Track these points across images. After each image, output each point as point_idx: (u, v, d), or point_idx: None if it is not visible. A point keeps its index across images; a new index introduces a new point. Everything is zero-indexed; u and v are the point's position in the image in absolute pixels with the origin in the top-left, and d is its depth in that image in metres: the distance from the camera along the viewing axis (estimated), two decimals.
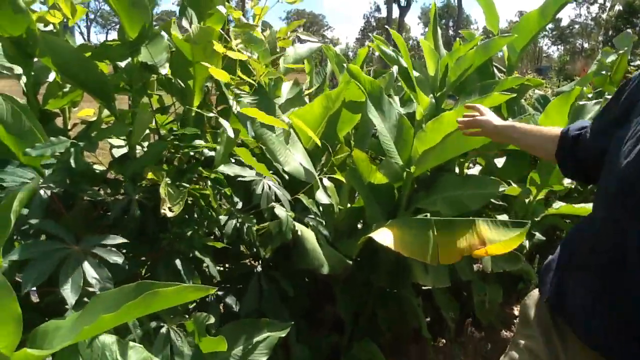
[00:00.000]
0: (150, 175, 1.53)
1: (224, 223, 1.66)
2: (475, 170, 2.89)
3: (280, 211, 1.71)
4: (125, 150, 1.85)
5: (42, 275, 1.14)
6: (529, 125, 1.53)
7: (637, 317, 1.00)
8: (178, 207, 1.45)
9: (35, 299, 1.55)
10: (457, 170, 2.68)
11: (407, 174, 2.14)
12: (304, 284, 2.11)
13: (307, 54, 2.46)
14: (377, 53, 2.68)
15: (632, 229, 0.97)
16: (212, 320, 1.37)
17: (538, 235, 2.73)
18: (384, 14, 46.00)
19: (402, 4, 41.68)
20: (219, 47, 1.59)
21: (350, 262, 1.91)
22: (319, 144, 1.90)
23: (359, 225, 2.29)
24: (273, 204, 1.72)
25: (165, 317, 1.35)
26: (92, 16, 46.74)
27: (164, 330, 1.32)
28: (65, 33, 1.82)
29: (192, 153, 1.73)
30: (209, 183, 1.67)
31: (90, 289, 1.21)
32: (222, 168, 1.68)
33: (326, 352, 2.13)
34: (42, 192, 1.32)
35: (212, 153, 1.74)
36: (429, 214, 2.15)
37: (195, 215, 1.64)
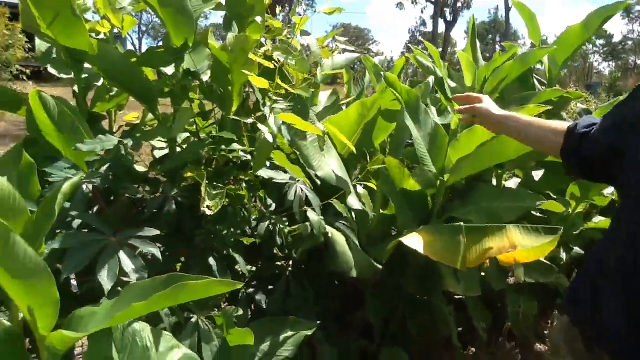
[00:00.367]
0: (189, 174, 1.61)
1: (257, 224, 1.72)
2: (512, 182, 2.87)
3: (312, 214, 1.76)
4: (166, 152, 1.94)
5: (81, 264, 1.22)
6: (531, 117, 1.49)
7: None
8: (216, 206, 1.52)
9: (74, 290, 1.63)
10: (494, 181, 2.67)
11: (440, 182, 2.15)
12: (334, 286, 2.14)
13: (345, 64, 2.51)
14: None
15: None
16: (240, 312, 1.42)
17: (577, 249, 2.69)
18: (429, 28, 45.79)
19: (449, 19, 41.48)
20: (251, 56, 1.66)
21: (380, 267, 1.93)
22: (354, 150, 1.94)
23: (392, 233, 2.31)
24: (305, 207, 1.77)
25: (195, 309, 1.41)
26: (144, 29, 48.34)
27: (193, 321, 1.37)
28: (115, 42, 1.93)
29: (229, 156, 1.80)
30: (244, 185, 1.74)
31: (126, 279, 1.28)
32: (259, 171, 1.74)
33: (354, 356, 2.15)
34: (84, 187, 1.40)
35: (249, 157, 1.80)
36: (462, 223, 2.14)
37: (230, 215, 1.71)
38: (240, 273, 1.69)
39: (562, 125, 1.36)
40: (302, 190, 1.76)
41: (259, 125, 1.67)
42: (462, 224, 1.84)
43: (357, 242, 1.94)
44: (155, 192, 1.69)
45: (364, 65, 2.87)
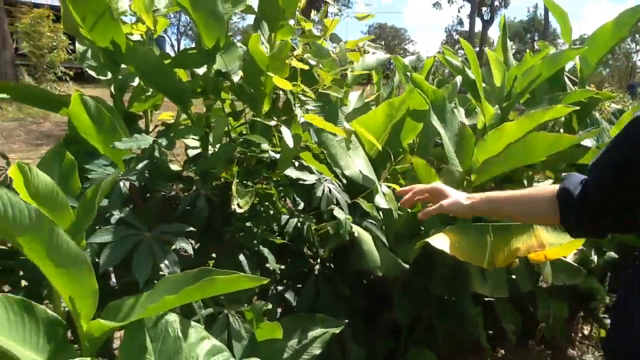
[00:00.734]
0: (222, 174, 1.66)
1: (285, 222, 1.76)
2: (544, 184, 2.84)
3: (339, 213, 1.78)
4: (199, 151, 2.00)
5: (118, 257, 1.28)
6: (511, 191, 1.29)
7: None
8: (246, 203, 1.56)
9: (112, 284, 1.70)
10: (525, 183, 2.65)
11: (467, 181, 2.16)
12: (361, 285, 2.16)
13: (375, 65, 2.53)
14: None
15: None
16: (269, 306, 1.47)
17: (610, 253, 2.65)
18: (466, 27, 45.27)
19: (486, 18, 40.98)
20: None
21: (407, 266, 1.95)
22: (380, 148, 1.96)
23: (420, 232, 2.32)
24: (332, 206, 1.80)
25: (226, 303, 1.46)
26: (182, 30, 49.04)
27: (222, 314, 1.42)
28: (151, 43, 1.99)
29: (259, 156, 1.85)
30: (273, 184, 1.78)
31: (160, 273, 1.34)
32: (286, 171, 1.78)
33: (381, 355, 2.17)
34: (121, 184, 1.46)
35: (277, 156, 1.84)
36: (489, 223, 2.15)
37: (259, 213, 1.75)
38: (271, 269, 1.73)
39: (548, 190, 1.18)
40: (329, 189, 1.79)
41: (281, 129, 1.68)
42: (489, 223, 1.84)
43: (385, 241, 1.95)
44: (188, 189, 1.75)
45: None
